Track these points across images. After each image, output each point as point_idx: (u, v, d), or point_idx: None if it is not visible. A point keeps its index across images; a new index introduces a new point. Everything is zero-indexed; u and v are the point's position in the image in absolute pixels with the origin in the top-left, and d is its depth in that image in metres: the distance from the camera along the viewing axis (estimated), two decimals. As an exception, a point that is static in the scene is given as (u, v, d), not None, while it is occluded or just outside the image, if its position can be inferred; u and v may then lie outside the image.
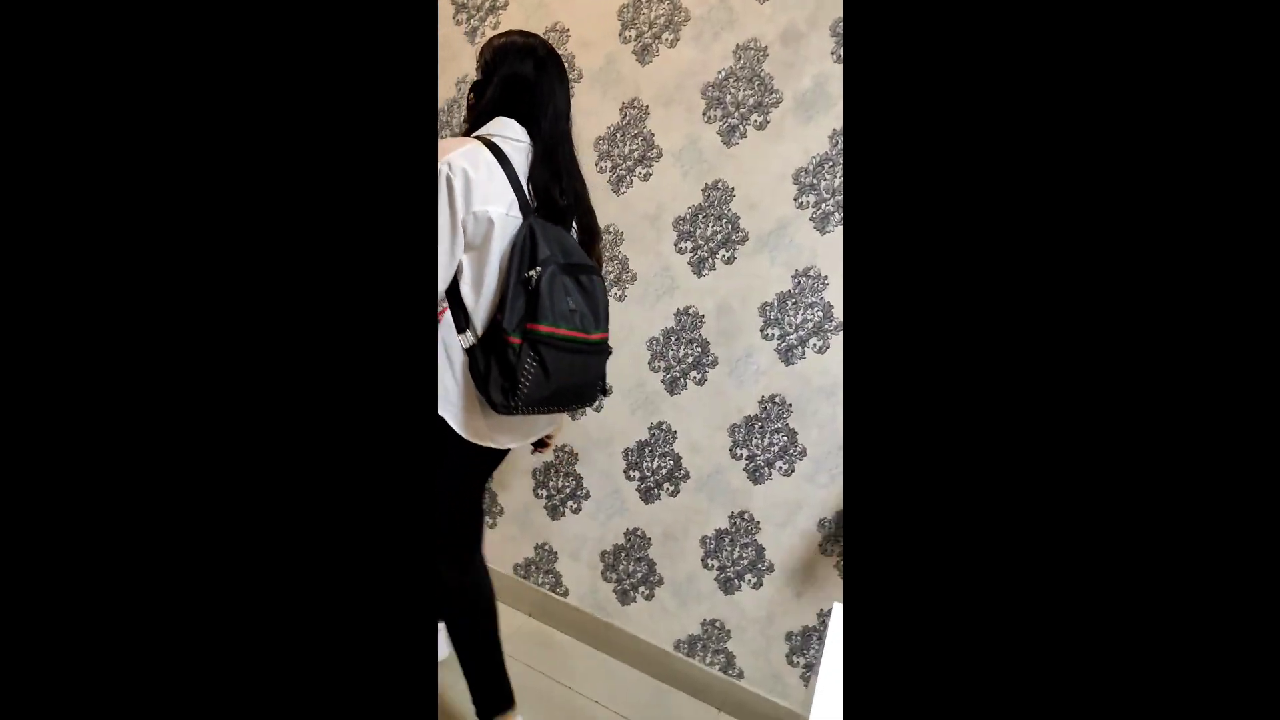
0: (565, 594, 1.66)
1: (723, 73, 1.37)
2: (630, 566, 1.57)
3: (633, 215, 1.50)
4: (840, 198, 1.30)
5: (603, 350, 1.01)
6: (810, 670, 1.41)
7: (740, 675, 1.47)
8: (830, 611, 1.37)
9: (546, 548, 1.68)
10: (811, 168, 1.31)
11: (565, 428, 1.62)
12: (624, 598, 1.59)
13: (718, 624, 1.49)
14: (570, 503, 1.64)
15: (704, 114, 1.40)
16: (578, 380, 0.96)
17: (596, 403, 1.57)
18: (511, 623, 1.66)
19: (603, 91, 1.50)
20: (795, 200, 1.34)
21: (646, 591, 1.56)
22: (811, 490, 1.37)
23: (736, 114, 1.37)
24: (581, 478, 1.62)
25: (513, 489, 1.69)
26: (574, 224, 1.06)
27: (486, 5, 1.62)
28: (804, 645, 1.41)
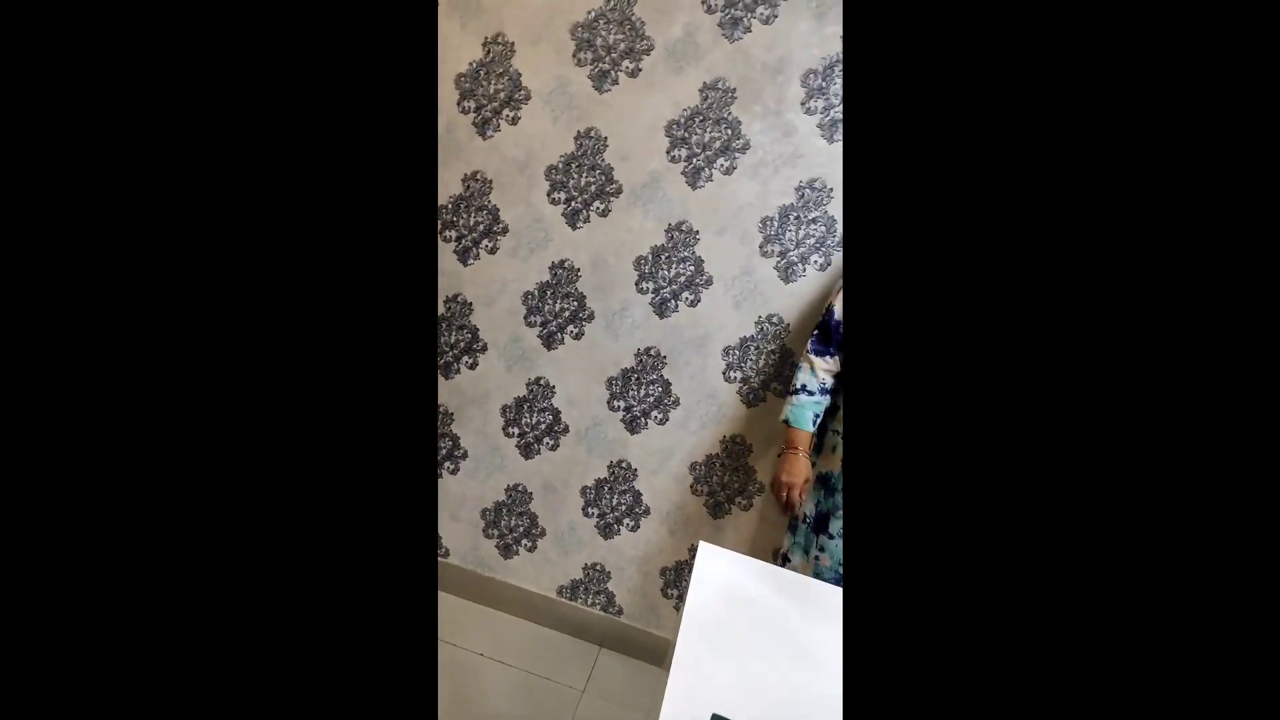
0: (446, 555, 1.63)
1: (592, 13, 1.31)
2: (512, 521, 1.58)
3: (501, 161, 1.42)
4: (710, 153, 1.32)
5: None
6: (683, 600, 1.53)
7: (620, 612, 1.56)
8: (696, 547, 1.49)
9: (423, 510, 1.63)
10: (683, 120, 1.32)
11: (439, 388, 1.55)
12: (506, 552, 1.60)
13: (598, 567, 1.55)
14: (448, 463, 1.59)
15: (574, 56, 1.34)
16: None
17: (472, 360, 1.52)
18: (389, 588, 1.61)
19: (461, 22, 1.37)
20: (667, 153, 1.34)
21: (529, 544, 1.58)
22: (684, 436, 1.45)
23: (608, 59, 1.32)
24: (458, 437, 1.57)
25: (383, 453, 1.61)
26: None
27: None
28: (677, 579, 1.52)
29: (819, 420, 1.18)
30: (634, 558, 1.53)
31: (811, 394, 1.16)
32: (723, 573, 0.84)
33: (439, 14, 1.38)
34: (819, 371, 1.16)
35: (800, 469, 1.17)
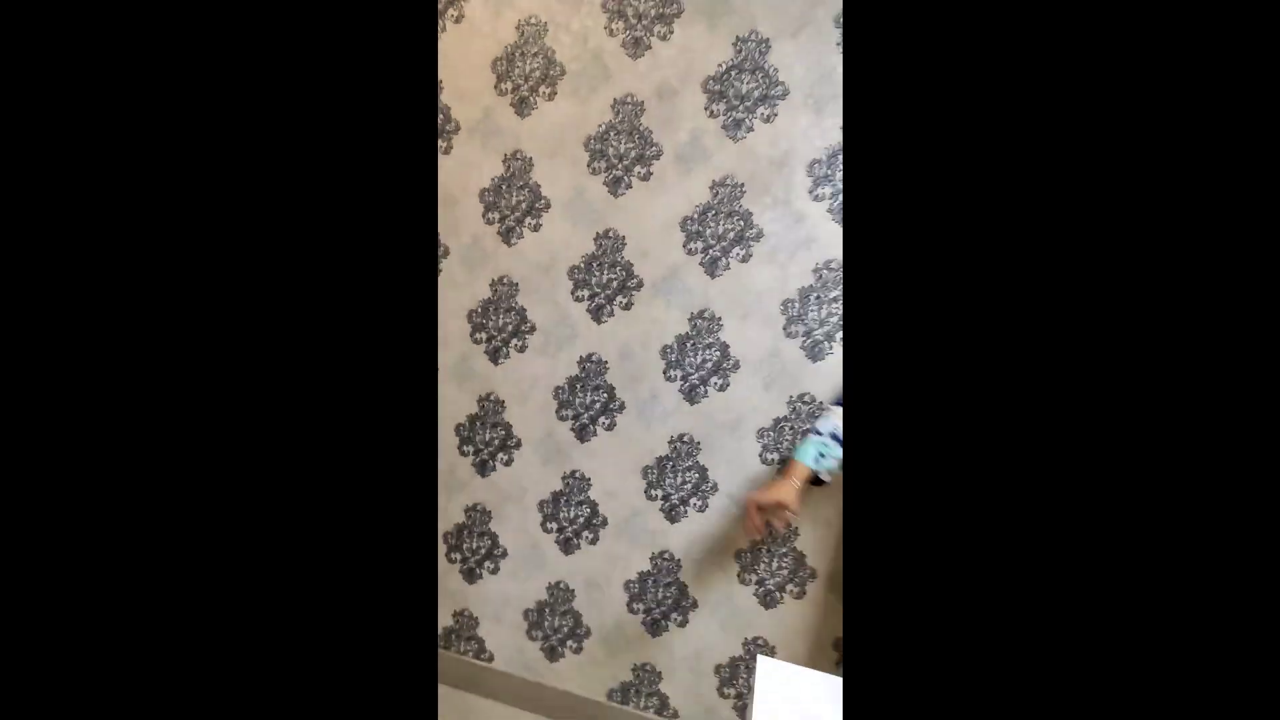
0: (490, 659, 1.59)
1: (603, 126, 1.40)
2: (556, 621, 1.54)
3: (526, 265, 1.48)
4: (725, 243, 1.36)
5: None
6: (741, 700, 1.45)
7: (675, 715, 1.48)
8: (757, 642, 1.42)
9: (465, 614, 1.60)
10: (696, 216, 1.37)
11: (474, 486, 1.56)
12: (552, 654, 1.55)
13: (648, 667, 1.49)
14: (487, 563, 1.57)
15: (588, 165, 1.42)
16: None
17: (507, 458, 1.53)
18: (434, 700, 1.56)
19: (483, 143, 1.47)
20: (684, 247, 1.38)
21: (574, 645, 1.53)
22: (726, 524, 1.42)
23: (620, 166, 1.40)
24: (497, 536, 1.56)
25: (424, 557, 1.60)
26: None
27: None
28: (733, 676, 1.44)
29: (822, 460, 1.14)
30: (685, 655, 1.47)
31: (820, 435, 1.14)
32: (787, 691, 0.80)
33: (461, 138, 1.49)
34: (833, 418, 1.15)
35: (775, 490, 1.11)
